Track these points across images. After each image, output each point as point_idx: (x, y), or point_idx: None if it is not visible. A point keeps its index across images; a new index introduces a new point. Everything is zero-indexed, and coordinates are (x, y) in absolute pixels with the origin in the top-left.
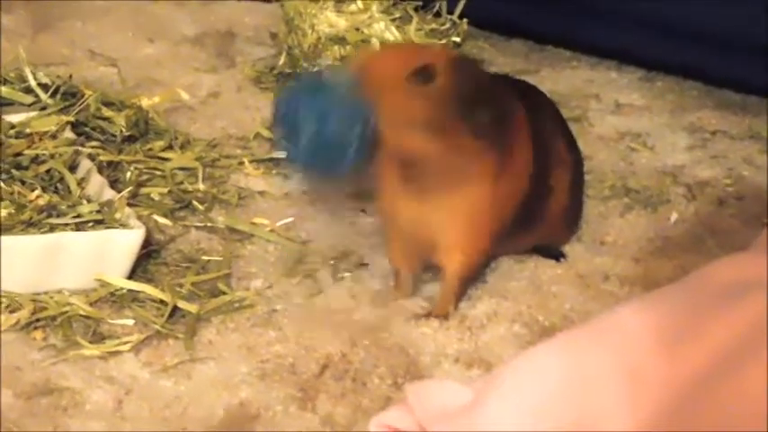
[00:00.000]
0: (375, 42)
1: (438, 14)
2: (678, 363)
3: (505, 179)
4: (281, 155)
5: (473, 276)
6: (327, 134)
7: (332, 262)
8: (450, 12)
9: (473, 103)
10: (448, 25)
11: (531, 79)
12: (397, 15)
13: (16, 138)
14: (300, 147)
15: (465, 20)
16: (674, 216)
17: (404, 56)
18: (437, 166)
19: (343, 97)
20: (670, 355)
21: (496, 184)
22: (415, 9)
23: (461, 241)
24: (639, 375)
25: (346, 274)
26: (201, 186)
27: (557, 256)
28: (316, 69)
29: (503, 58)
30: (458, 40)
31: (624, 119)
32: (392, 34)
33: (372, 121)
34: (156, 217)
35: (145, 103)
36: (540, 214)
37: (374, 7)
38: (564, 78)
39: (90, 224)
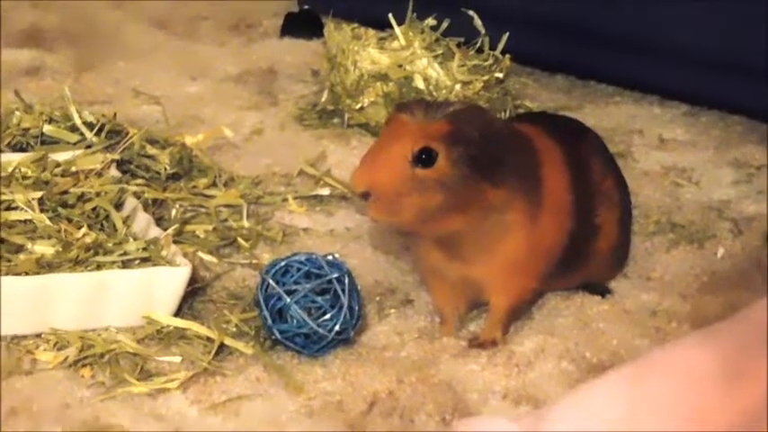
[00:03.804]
0: (418, 79)
1: (480, 50)
2: (738, 400)
3: (543, 219)
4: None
5: (520, 313)
6: (314, 325)
7: (377, 299)
8: (493, 48)
9: (485, 161)
10: (491, 61)
11: (574, 115)
12: (440, 52)
13: (62, 176)
14: (285, 328)
15: (508, 55)
16: (720, 251)
17: (398, 149)
18: (470, 230)
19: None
20: (731, 393)
21: (534, 226)
22: (458, 45)
23: (507, 285)
24: (703, 413)
25: (392, 311)
26: (246, 223)
27: (603, 292)
28: (304, 256)
29: (546, 93)
30: (500, 75)
31: (668, 154)
32: (435, 71)
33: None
34: (201, 254)
35: (189, 140)
36: (588, 251)
37: (417, 44)
38: (607, 114)
39: (136, 262)
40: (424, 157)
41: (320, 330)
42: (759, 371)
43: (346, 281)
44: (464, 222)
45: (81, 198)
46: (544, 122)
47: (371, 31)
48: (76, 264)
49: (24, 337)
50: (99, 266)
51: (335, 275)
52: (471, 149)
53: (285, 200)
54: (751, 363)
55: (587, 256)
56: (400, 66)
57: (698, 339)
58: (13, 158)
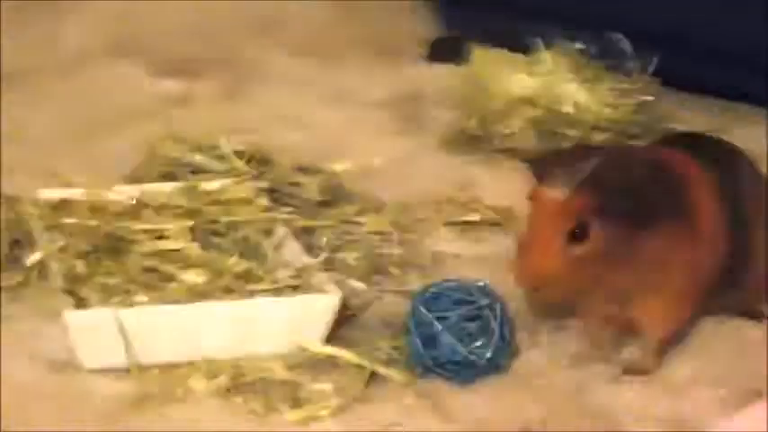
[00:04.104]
0: (566, 103)
1: (629, 74)
2: None
3: (698, 247)
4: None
5: (675, 341)
6: (465, 352)
7: (529, 325)
8: (642, 71)
9: (636, 212)
10: (639, 84)
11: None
12: (588, 76)
13: (212, 205)
14: (437, 355)
15: (657, 79)
16: None
17: (550, 234)
18: (637, 277)
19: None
20: None
21: (690, 257)
22: (606, 69)
23: (664, 317)
24: None
25: (544, 337)
26: (396, 250)
27: (759, 316)
28: (455, 282)
29: (695, 116)
30: (649, 98)
31: None
32: (583, 95)
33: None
34: (351, 281)
35: (337, 168)
36: (743, 275)
37: (564, 67)
38: (756, 137)
39: (287, 289)
40: (579, 233)
41: (472, 357)
42: None
43: (497, 307)
44: (626, 274)
45: (231, 227)
46: (692, 145)
47: (518, 56)
48: (227, 292)
49: (177, 365)
50: (250, 294)
51: (486, 302)
52: (617, 211)
53: (435, 226)
54: None
55: (741, 281)
56: (548, 90)
57: None
58: (164, 188)
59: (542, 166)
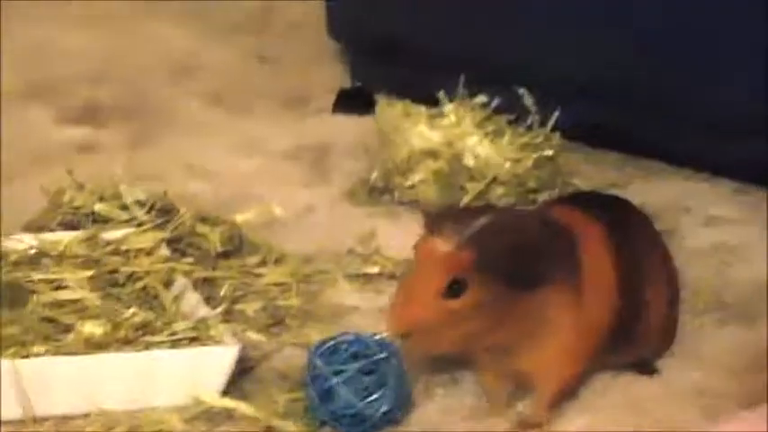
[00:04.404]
0: (468, 156)
1: (531, 128)
2: None
3: (587, 303)
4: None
5: (567, 395)
6: (362, 406)
7: (425, 378)
8: (543, 124)
9: (518, 273)
10: (541, 138)
11: (622, 192)
12: (490, 129)
13: (112, 255)
14: (333, 409)
15: (558, 133)
16: None
17: (428, 284)
18: (515, 335)
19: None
20: None
21: (578, 313)
22: (508, 122)
23: (554, 373)
24: None
25: (439, 390)
26: (295, 302)
27: (651, 370)
28: (352, 336)
29: (596, 170)
30: (550, 153)
31: (718, 231)
32: (485, 148)
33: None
34: (250, 333)
35: (239, 218)
36: (636, 329)
37: (467, 121)
38: (656, 191)
39: (185, 341)
40: (455, 288)
41: (368, 411)
42: None
43: (394, 360)
44: (507, 332)
45: (131, 277)
46: (586, 203)
47: (422, 108)
48: (125, 343)
49: (73, 417)
50: (148, 346)
51: (383, 356)
52: (500, 271)
53: (335, 278)
54: None
55: (635, 334)
56: (450, 143)
57: (750, 418)
58: (64, 237)
59: (436, 219)
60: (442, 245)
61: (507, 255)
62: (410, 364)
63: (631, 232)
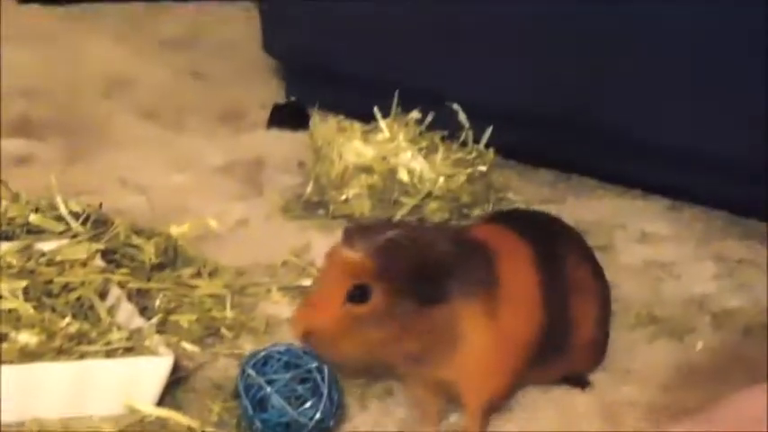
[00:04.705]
0: (402, 171)
1: (465, 144)
2: None
3: (505, 316)
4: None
5: (495, 408)
6: (295, 414)
7: (358, 390)
8: (477, 141)
9: (421, 286)
10: (474, 154)
11: (556, 208)
12: (424, 145)
13: (47, 265)
14: (266, 418)
15: (491, 149)
16: (699, 344)
17: (333, 288)
18: (427, 345)
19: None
20: None
21: (493, 326)
22: (442, 138)
23: (479, 385)
24: None
25: (373, 402)
26: (230, 314)
27: (583, 384)
28: (284, 346)
29: (529, 186)
30: (484, 169)
31: (651, 248)
32: (418, 163)
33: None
34: (184, 344)
35: (174, 231)
36: (565, 344)
37: (401, 137)
38: (590, 208)
39: (120, 351)
40: (359, 294)
41: (301, 419)
42: None
43: (326, 370)
44: (416, 344)
45: (65, 287)
46: (511, 220)
47: (356, 124)
48: (60, 353)
49: (8, 425)
50: (82, 356)
51: (315, 365)
52: (404, 282)
53: (269, 290)
54: None
55: (564, 349)
56: (384, 158)
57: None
58: None
59: (350, 231)
60: (349, 253)
61: (410, 268)
62: (344, 375)
63: (558, 249)
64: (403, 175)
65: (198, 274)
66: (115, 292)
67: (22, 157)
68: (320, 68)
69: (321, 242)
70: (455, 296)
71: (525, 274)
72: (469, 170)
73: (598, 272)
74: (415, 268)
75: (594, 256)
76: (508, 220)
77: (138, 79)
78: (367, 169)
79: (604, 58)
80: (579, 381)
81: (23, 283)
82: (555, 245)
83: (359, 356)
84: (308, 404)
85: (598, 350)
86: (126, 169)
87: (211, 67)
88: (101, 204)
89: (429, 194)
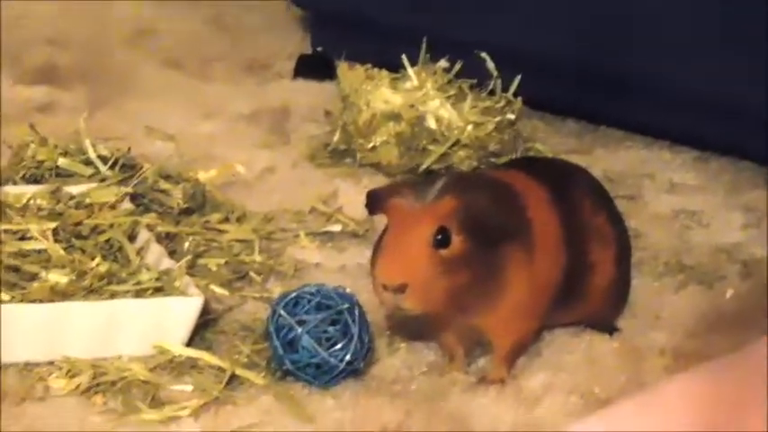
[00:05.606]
0: (430, 119)
1: (492, 93)
2: None
3: (538, 260)
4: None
5: (523, 351)
6: (325, 355)
7: (387, 333)
8: (505, 90)
9: (488, 225)
10: (502, 103)
11: (584, 159)
12: (452, 93)
13: (76, 208)
14: (296, 359)
15: (519, 98)
16: (729, 292)
17: (417, 236)
18: (476, 293)
19: (340, 316)
20: (731, 426)
21: (531, 270)
22: (470, 87)
23: (509, 328)
24: None
25: (402, 345)
26: (258, 258)
27: (611, 330)
28: (314, 287)
29: (557, 137)
30: (512, 117)
31: (679, 198)
32: (447, 111)
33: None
34: (213, 287)
35: (202, 176)
36: (584, 288)
37: (429, 84)
38: (618, 158)
39: (149, 292)
40: (441, 238)
41: (331, 360)
42: (758, 406)
43: (356, 312)
44: (477, 284)
45: (95, 230)
46: (527, 166)
47: (384, 72)
48: (90, 293)
49: (37, 364)
50: (112, 295)
51: (346, 306)
52: (473, 224)
53: (297, 236)
54: (751, 397)
55: (584, 292)
56: (412, 106)
57: (702, 373)
58: (27, 190)
59: (393, 189)
60: (418, 200)
61: (472, 208)
62: (391, 326)
63: (574, 193)
64: (431, 123)
65: (226, 220)
66: (144, 234)
67: (46, 104)
68: (347, 18)
69: (348, 190)
70: (505, 239)
71: (548, 215)
72: (497, 118)
73: (614, 215)
74: (483, 211)
75: (613, 203)
76: (524, 166)
77: (164, 29)
78: (395, 117)
79: (632, 6)
80: (608, 327)
81: (53, 225)
82: (571, 189)
83: (447, 304)
84: (338, 345)
85: (618, 295)
86: (152, 117)
87: (237, 17)
88: (129, 149)
89: (457, 142)
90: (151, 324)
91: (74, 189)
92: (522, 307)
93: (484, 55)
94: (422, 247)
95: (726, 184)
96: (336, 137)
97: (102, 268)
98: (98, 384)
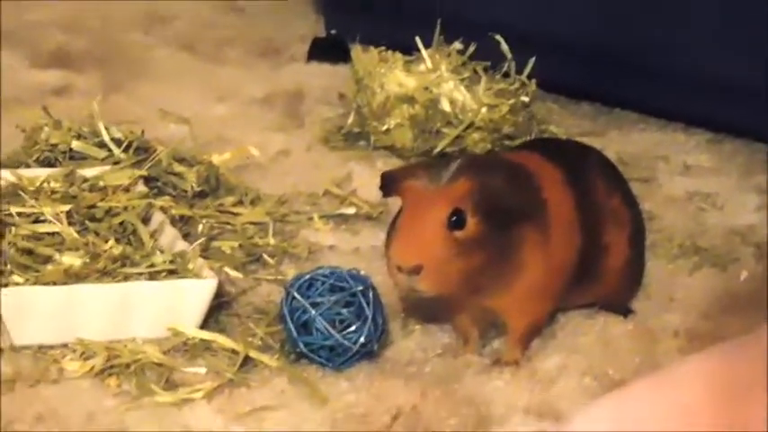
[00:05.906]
0: (444, 101)
1: (507, 75)
2: (745, 413)
3: (553, 241)
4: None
5: (538, 332)
6: (339, 337)
7: (402, 315)
8: (519, 72)
9: (503, 207)
10: (517, 85)
11: (598, 141)
12: (466, 75)
13: (90, 191)
14: (310, 341)
15: (533, 80)
16: (743, 274)
17: (431, 217)
18: (491, 275)
19: (354, 298)
20: (740, 406)
21: (546, 252)
22: (485, 69)
23: (524, 310)
24: (713, 424)
25: (416, 327)
26: (272, 241)
27: (625, 312)
28: (328, 270)
29: (571, 119)
30: (526, 100)
31: (693, 180)
32: (461, 94)
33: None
34: (227, 269)
35: (216, 159)
36: (598, 268)
37: (443, 67)
38: (632, 141)
39: (163, 274)
40: (456, 220)
41: (345, 342)
42: (759, 396)
43: (370, 294)
44: (491, 266)
45: (108, 212)
46: (541, 147)
47: (398, 55)
48: (104, 275)
49: (51, 346)
50: (126, 278)
51: (360, 288)
52: (494, 200)
53: (310, 218)
54: (764, 378)
55: (598, 273)
56: (426, 88)
57: (716, 354)
58: (41, 173)
59: (407, 171)
60: (432, 182)
61: (487, 190)
62: (406, 308)
63: (588, 173)
64: (445, 106)
65: (240, 203)
66: (158, 217)
67: (60, 87)
68: (360, 0)
69: (362, 172)
70: (520, 220)
71: (563, 196)
72: (512, 101)
73: (629, 197)
74: (497, 193)
75: (627, 184)
76: (538, 147)
77: (177, 12)
78: (409, 99)
79: None
80: (622, 308)
81: (66, 208)
82: (585, 171)
83: (462, 286)
84: (352, 327)
85: (632, 277)
86: (165, 100)
87: (251, 1)
88: (142, 132)
89: (471, 125)
90: (165, 306)
91: (88, 172)
92: (536, 288)
93: (498, 37)
94: (437, 228)
95: (740, 167)
96: (350, 120)
97: (116, 251)
98: (112, 367)
